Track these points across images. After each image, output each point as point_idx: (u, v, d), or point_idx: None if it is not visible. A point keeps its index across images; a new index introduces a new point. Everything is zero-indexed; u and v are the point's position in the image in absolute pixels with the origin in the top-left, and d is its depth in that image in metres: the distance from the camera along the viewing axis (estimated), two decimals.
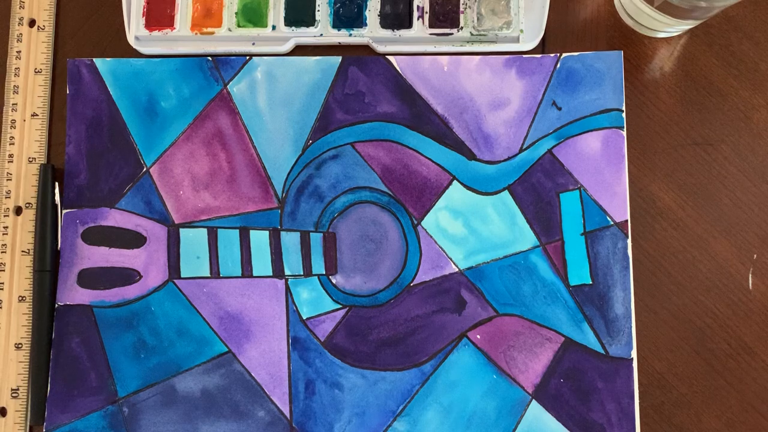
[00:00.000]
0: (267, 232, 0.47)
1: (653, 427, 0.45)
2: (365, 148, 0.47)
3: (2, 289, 0.47)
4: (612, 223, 0.46)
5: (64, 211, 0.47)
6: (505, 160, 0.47)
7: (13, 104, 0.49)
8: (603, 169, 0.47)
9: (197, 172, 0.48)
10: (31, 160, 0.48)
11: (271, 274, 0.47)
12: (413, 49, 0.48)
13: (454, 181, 0.47)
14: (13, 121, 0.48)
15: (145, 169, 0.48)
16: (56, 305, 0.46)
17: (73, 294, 0.47)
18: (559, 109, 0.47)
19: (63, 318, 0.46)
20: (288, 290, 0.46)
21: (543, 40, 0.49)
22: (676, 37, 0.49)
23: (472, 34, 0.48)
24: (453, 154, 0.47)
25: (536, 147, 0.47)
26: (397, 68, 0.48)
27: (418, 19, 0.49)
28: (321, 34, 0.49)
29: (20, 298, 0.47)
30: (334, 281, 0.47)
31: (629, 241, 0.46)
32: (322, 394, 0.45)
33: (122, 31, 0.49)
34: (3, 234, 0.47)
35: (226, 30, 0.49)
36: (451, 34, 0.48)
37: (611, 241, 0.46)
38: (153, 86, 0.48)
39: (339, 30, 0.49)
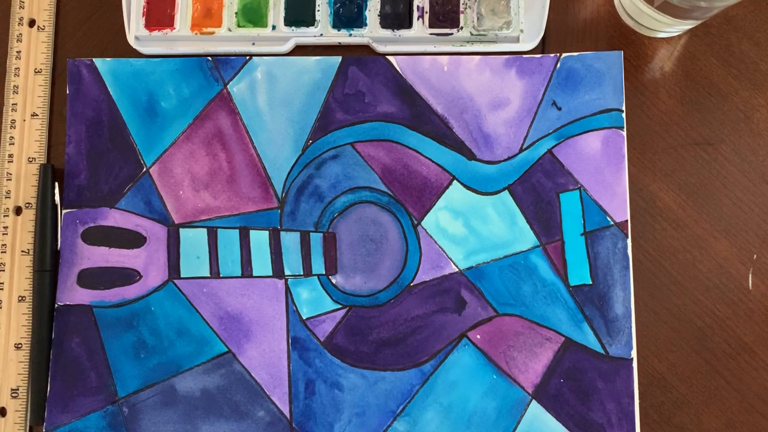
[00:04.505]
0: (267, 232, 0.47)
1: (653, 427, 0.45)
2: (365, 148, 0.48)
3: (2, 289, 0.47)
4: (612, 223, 0.46)
5: (64, 211, 0.47)
6: (505, 160, 0.47)
7: (13, 104, 0.49)
8: (603, 169, 0.47)
9: (197, 172, 0.48)
10: (31, 160, 0.48)
11: (271, 274, 0.47)
12: (413, 49, 0.48)
13: (454, 181, 0.47)
14: (13, 121, 0.48)
15: (145, 169, 0.48)
16: (56, 305, 0.46)
17: (73, 294, 0.47)
18: (559, 109, 0.47)
19: (63, 318, 0.46)
20: (288, 290, 0.46)
21: (543, 40, 0.49)
22: (676, 37, 0.49)
23: (472, 34, 0.48)
24: (453, 154, 0.47)
25: (536, 147, 0.47)
26: (397, 68, 0.48)
27: (418, 19, 0.49)
28: (321, 34, 0.49)
29: (20, 298, 0.47)
30: (334, 281, 0.47)
31: (629, 241, 0.46)
32: (322, 394, 0.45)
33: (122, 31, 0.49)
34: (3, 234, 0.47)
35: (226, 30, 0.49)
36: (451, 34, 0.48)
37: (611, 241, 0.46)
38: (153, 86, 0.48)
39: (339, 30, 0.49)
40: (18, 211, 0.48)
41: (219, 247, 0.47)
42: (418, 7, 0.49)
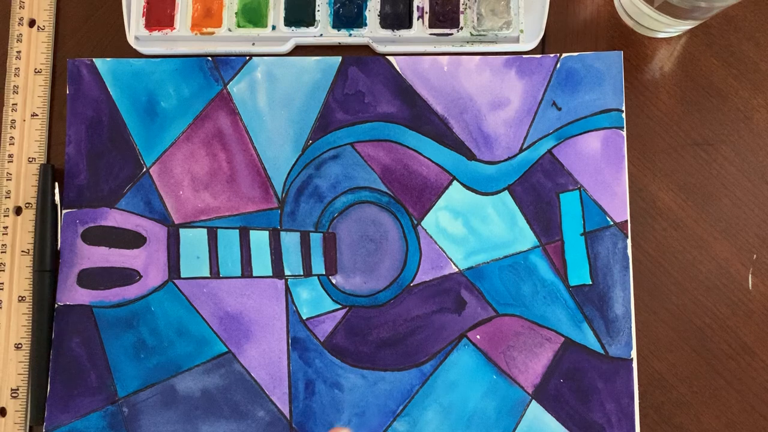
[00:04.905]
0: (267, 232, 0.47)
1: (653, 427, 0.45)
2: (365, 148, 0.48)
3: (2, 289, 0.47)
4: (612, 223, 0.46)
5: (64, 211, 0.47)
6: (505, 160, 0.47)
7: (13, 104, 0.49)
8: (603, 169, 0.47)
9: (197, 172, 0.48)
10: (31, 160, 0.48)
11: (270, 274, 0.47)
12: (413, 49, 0.48)
13: (454, 181, 0.47)
14: (13, 121, 0.48)
15: (145, 169, 0.48)
16: (56, 305, 0.46)
17: (73, 294, 0.47)
18: (559, 109, 0.47)
19: (63, 318, 0.46)
20: (288, 290, 0.46)
21: (543, 40, 0.49)
22: (676, 37, 0.49)
23: (472, 35, 0.48)
24: (453, 154, 0.47)
25: (536, 147, 0.47)
26: (397, 68, 0.48)
27: (418, 19, 0.49)
28: (321, 34, 0.49)
29: (20, 298, 0.47)
30: (334, 281, 0.47)
31: (629, 241, 0.46)
32: (322, 394, 0.45)
33: (122, 31, 0.49)
34: (3, 234, 0.47)
35: (226, 30, 0.49)
36: (451, 34, 0.48)
37: (611, 241, 0.46)
38: (153, 86, 0.48)
39: (339, 30, 0.49)
40: (18, 211, 0.48)
41: (219, 247, 0.47)
42: (418, 7, 0.49)
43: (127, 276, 0.47)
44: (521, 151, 0.47)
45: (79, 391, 0.46)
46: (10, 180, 0.48)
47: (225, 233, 0.47)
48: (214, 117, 0.48)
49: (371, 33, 0.49)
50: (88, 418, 0.45)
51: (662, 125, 0.48)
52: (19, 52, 0.49)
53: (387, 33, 0.48)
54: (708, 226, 0.47)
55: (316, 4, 0.49)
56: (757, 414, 0.45)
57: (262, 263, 0.47)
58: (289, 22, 0.49)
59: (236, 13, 0.49)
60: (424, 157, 0.47)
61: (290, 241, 0.47)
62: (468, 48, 0.48)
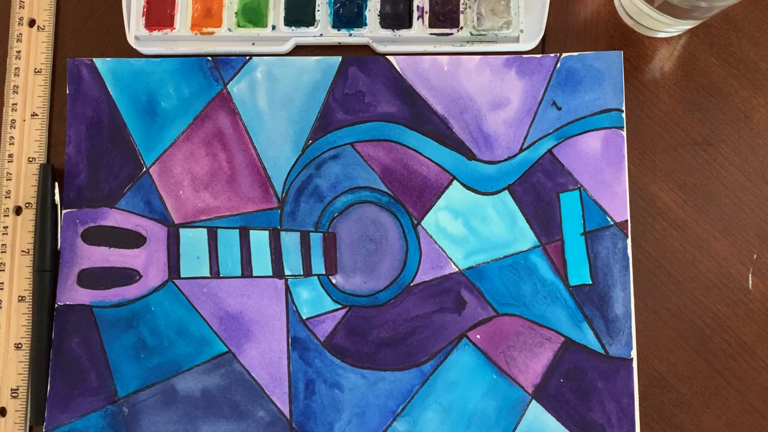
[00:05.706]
0: (267, 232, 0.47)
1: (653, 427, 0.45)
2: (365, 148, 0.48)
3: (2, 289, 0.47)
4: (612, 223, 0.46)
5: (64, 211, 0.47)
6: (505, 160, 0.47)
7: (13, 104, 0.49)
8: (603, 169, 0.47)
9: (197, 172, 0.48)
10: (31, 160, 0.48)
11: (270, 274, 0.47)
12: (413, 49, 0.48)
13: (454, 181, 0.47)
14: (13, 121, 0.48)
15: (145, 169, 0.48)
16: (56, 305, 0.46)
17: (73, 294, 0.47)
18: (559, 109, 0.47)
19: (63, 318, 0.46)
20: (288, 290, 0.46)
21: (543, 40, 0.49)
22: (676, 37, 0.49)
23: (472, 34, 0.48)
24: (453, 154, 0.47)
25: (536, 147, 0.47)
26: (397, 68, 0.48)
27: (418, 19, 0.49)
28: (321, 34, 0.49)
29: (20, 298, 0.47)
30: (334, 281, 0.47)
31: (629, 241, 0.46)
32: (322, 394, 0.45)
33: (122, 31, 0.49)
34: (3, 234, 0.47)
35: (226, 30, 0.49)
36: (451, 34, 0.48)
37: (611, 241, 0.46)
38: (153, 86, 0.48)
39: (339, 30, 0.49)
40: (18, 211, 0.48)
41: (219, 247, 0.47)
42: (418, 7, 0.49)
43: (127, 276, 0.47)
44: (521, 150, 0.47)
45: (79, 391, 0.46)
46: (10, 180, 0.48)
47: (225, 233, 0.47)
48: (214, 117, 0.48)
49: (371, 33, 0.49)
50: (88, 418, 0.45)
51: (662, 125, 0.48)
52: (19, 52, 0.49)
53: (387, 33, 0.48)
54: (708, 226, 0.47)
55: (316, 4, 0.49)
56: (757, 414, 0.45)
57: (262, 263, 0.47)
58: (289, 22, 0.49)
59: (236, 13, 0.49)
60: (424, 157, 0.47)
61: (290, 240, 0.47)
62: (468, 48, 0.48)
